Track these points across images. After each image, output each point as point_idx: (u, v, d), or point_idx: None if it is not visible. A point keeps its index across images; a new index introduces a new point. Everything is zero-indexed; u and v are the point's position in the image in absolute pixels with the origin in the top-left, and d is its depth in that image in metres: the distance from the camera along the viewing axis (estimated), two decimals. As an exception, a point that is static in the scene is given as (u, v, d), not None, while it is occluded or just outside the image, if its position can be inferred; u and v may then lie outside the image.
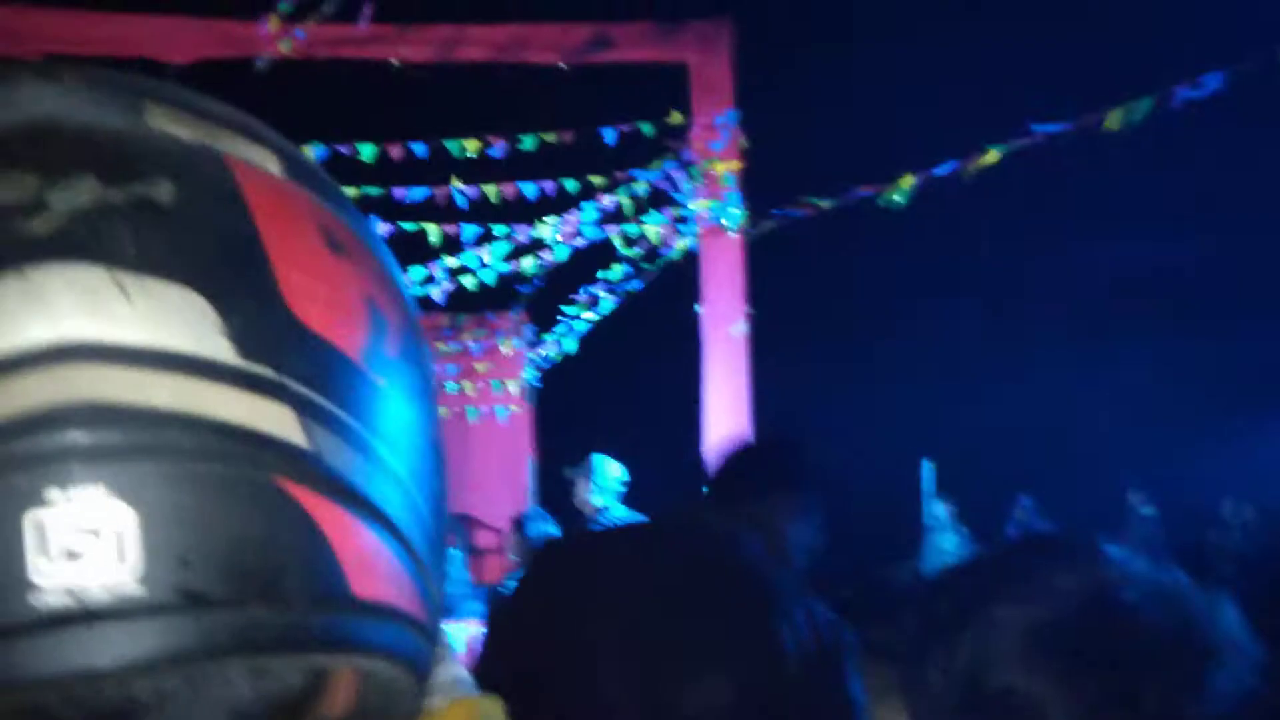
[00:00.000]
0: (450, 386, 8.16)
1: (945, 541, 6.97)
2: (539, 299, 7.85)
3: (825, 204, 5.84)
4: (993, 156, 5.55)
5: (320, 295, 0.32)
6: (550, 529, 5.30)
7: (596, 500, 4.72)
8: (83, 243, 0.28)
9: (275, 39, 5.14)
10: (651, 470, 5.35)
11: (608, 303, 7.19)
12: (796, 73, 7.18)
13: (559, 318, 7.46)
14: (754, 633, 1.39)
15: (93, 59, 5.44)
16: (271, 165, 0.34)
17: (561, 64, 5.57)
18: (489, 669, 1.48)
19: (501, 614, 2.02)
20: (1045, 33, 7.22)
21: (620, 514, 4.75)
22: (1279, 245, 8.38)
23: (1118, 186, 8.76)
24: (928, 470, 7.74)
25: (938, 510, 7.26)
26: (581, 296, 6.93)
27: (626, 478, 4.97)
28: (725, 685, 1.35)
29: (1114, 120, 5.03)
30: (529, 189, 5.79)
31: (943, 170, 5.66)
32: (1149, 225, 8.76)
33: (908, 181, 5.75)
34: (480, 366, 8.40)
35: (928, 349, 9.65)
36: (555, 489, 7.88)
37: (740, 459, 1.79)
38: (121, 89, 0.32)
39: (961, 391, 9.42)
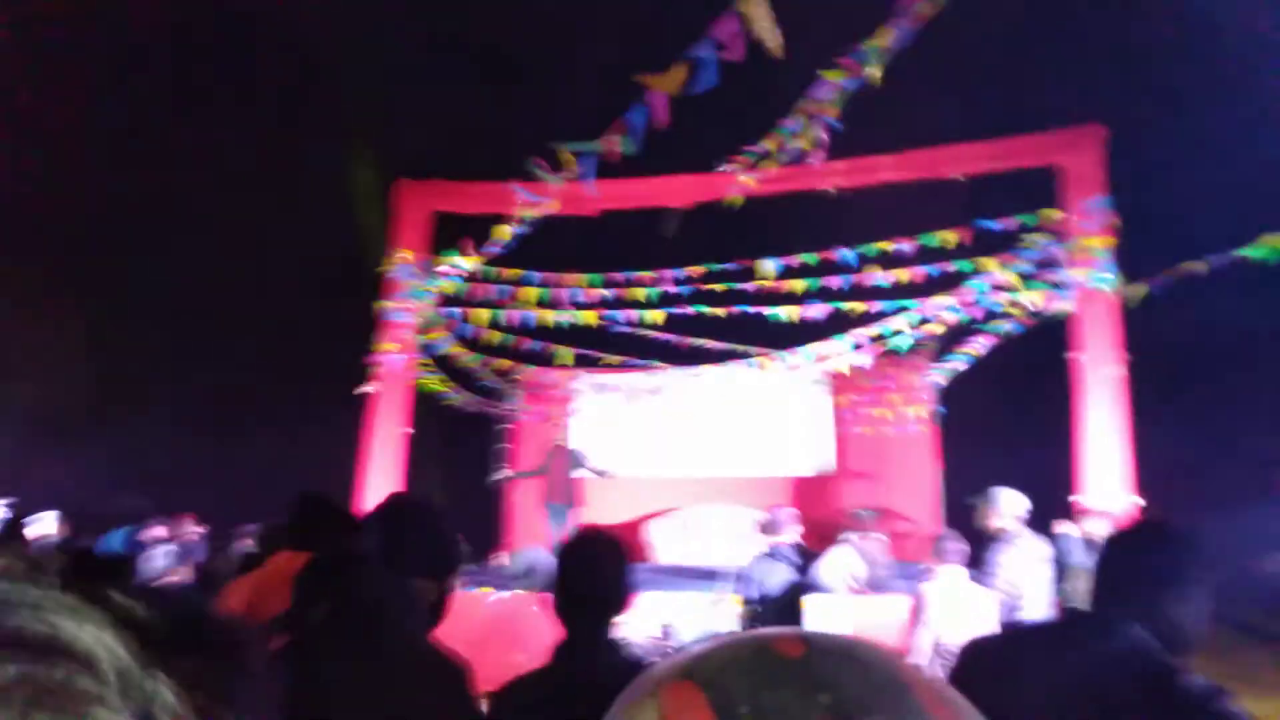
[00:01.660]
0: (875, 412, 11.09)
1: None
2: (942, 346, 9.75)
3: (1196, 266, 6.89)
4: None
5: None
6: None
7: (997, 523, 5.55)
8: None
9: (737, 182, 7.30)
10: (1035, 485, 6.67)
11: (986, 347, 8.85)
12: (1165, 152, 8.12)
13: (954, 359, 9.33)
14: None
15: (624, 211, 8.12)
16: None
17: (960, 177, 7.22)
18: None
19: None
20: None
21: (1022, 534, 6.02)
22: None
23: None
24: None
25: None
26: (975, 345, 8.66)
27: (1022, 506, 6.27)
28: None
29: None
30: (933, 271, 7.52)
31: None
32: None
33: (1274, 240, 6.62)
34: (897, 396, 10.63)
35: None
36: (954, 490, 10.18)
37: (1126, 549, 1.82)
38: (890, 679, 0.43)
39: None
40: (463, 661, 1.93)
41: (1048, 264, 7.40)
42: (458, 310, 8.52)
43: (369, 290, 8.26)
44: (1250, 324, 9.32)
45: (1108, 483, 7.08)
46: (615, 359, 10.26)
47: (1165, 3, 8.28)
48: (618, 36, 8.07)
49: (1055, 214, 7.15)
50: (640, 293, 8.07)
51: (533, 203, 6.59)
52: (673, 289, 8.10)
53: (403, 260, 8.14)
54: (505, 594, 8.02)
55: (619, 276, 8.25)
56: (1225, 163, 8.00)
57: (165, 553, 7.38)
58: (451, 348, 9.53)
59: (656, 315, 8.22)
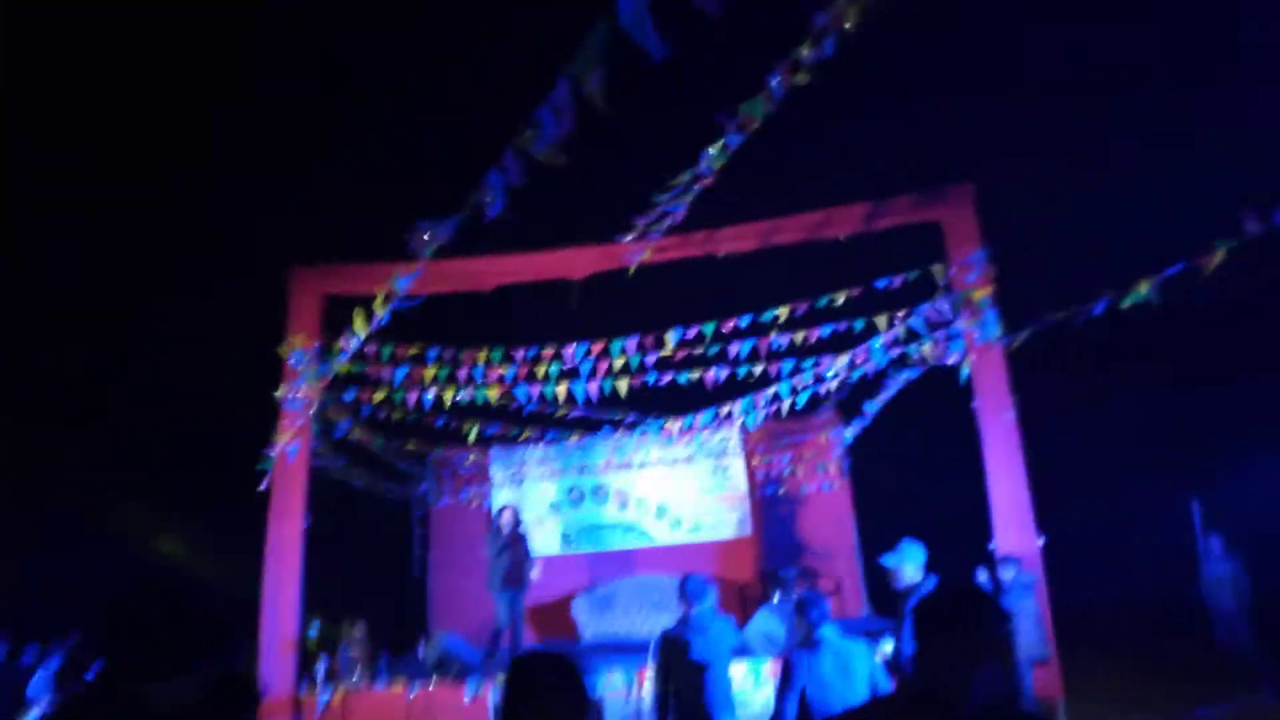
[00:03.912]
0: (787, 471, 11.36)
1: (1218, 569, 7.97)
2: (848, 401, 9.95)
3: (1068, 313, 7.21)
4: (1220, 254, 6.65)
5: None
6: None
7: (911, 578, 5.68)
8: None
9: (636, 252, 7.40)
10: (941, 528, 6.78)
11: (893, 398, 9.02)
12: (1037, 210, 8.60)
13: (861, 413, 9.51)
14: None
15: (524, 284, 8.12)
16: None
17: (840, 237, 7.45)
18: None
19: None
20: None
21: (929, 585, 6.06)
22: None
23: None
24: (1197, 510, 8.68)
25: (1212, 544, 8.21)
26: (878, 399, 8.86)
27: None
28: None
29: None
30: (825, 331, 7.69)
31: (1172, 271, 6.84)
32: None
33: (1143, 286, 6.99)
34: (807, 453, 10.82)
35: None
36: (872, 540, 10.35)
37: (941, 618, 1.89)
38: None
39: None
40: None
41: (937, 318, 7.65)
42: (354, 392, 8.32)
43: (267, 380, 8.02)
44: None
45: (1016, 526, 7.22)
46: (525, 433, 10.15)
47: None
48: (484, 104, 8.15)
49: (939, 270, 7.41)
50: (542, 369, 8.03)
51: (404, 279, 6.52)
52: (574, 363, 8.07)
53: (297, 346, 7.93)
54: (420, 686, 7.70)
55: (521, 352, 8.19)
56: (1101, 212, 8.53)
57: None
58: (355, 431, 9.29)
59: (561, 390, 8.17)
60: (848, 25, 4.01)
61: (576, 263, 7.90)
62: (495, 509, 10.40)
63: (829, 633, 4.57)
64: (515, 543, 9.04)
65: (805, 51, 4.33)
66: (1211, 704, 7.71)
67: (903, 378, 9.03)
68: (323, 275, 8.29)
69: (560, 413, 9.29)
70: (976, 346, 7.43)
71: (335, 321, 7.93)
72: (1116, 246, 7.48)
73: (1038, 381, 7.57)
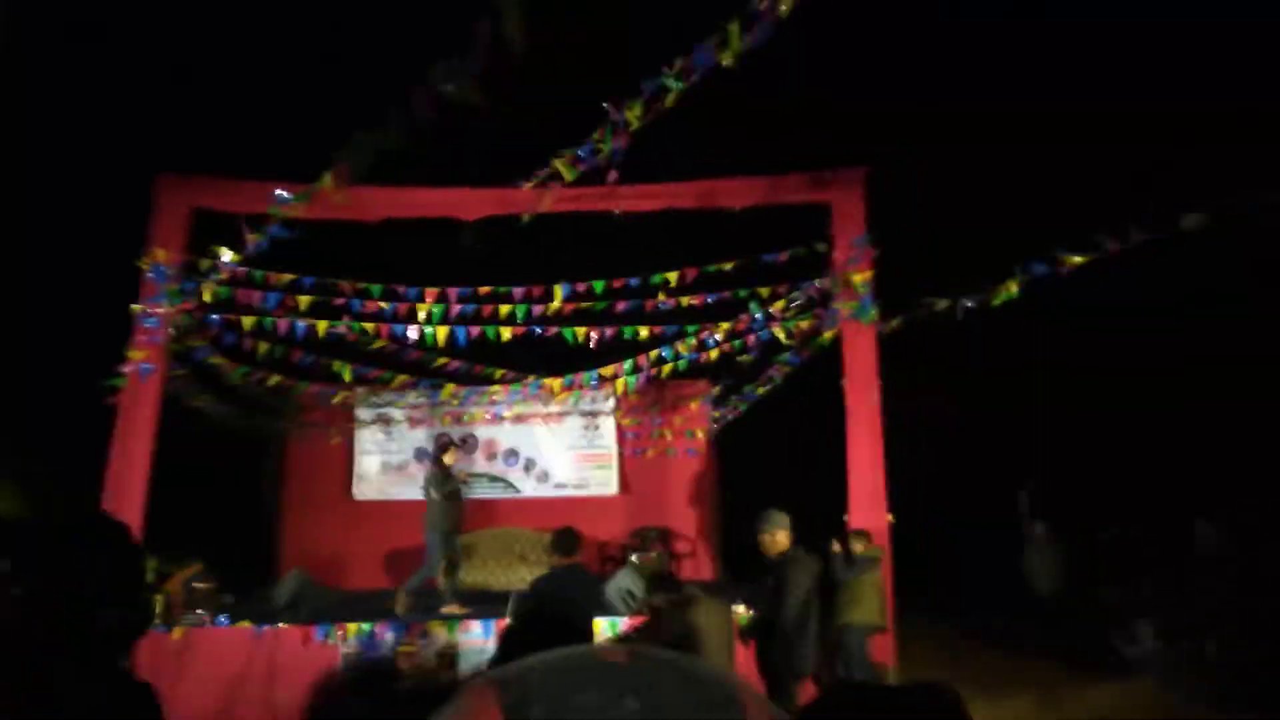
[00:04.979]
0: (656, 434, 11.60)
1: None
2: (721, 372, 10.15)
3: (940, 304, 7.59)
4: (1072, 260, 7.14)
5: None
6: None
7: (781, 543, 5.86)
8: None
9: (537, 200, 7.27)
10: (807, 503, 7.09)
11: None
12: (924, 200, 8.98)
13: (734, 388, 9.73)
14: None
15: (412, 220, 7.84)
16: None
17: (734, 208, 7.56)
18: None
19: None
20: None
21: (800, 553, 6.31)
22: None
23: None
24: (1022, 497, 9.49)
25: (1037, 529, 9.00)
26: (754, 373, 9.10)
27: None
28: None
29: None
30: (710, 298, 7.82)
31: (1039, 270, 7.29)
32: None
33: (1011, 286, 7.43)
34: (677, 419, 10.94)
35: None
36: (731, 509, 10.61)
37: None
38: (719, 693, 0.44)
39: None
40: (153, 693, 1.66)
41: (816, 295, 7.90)
42: (218, 317, 7.87)
43: (122, 292, 7.47)
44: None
45: (870, 502, 7.59)
46: (397, 377, 9.87)
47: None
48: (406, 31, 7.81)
49: (822, 248, 7.64)
50: (424, 308, 7.81)
51: (290, 203, 6.21)
52: (458, 307, 7.89)
53: (157, 260, 7.42)
54: (267, 627, 7.43)
55: (402, 289, 7.94)
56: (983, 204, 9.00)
57: None
58: (213, 358, 8.79)
59: (441, 332, 7.98)
60: (784, 8, 4.02)
61: (471, 203, 7.70)
62: (436, 443, 10.00)
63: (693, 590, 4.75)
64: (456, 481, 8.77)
65: (735, 29, 4.33)
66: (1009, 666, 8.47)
67: (779, 356, 9.30)
68: (193, 186, 7.74)
69: (438, 361, 9.08)
70: (849, 327, 7.72)
71: (204, 239, 7.47)
72: (999, 241, 7.88)
73: (904, 367, 7.94)
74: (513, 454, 12.21)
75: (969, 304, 7.24)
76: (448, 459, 8.83)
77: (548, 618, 5.24)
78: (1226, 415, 10.25)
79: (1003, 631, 9.51)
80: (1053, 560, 9.29)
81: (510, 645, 2.46)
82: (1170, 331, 10.19)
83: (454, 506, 8.65)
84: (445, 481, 8.65)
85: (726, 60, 4.52)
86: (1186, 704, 7.40)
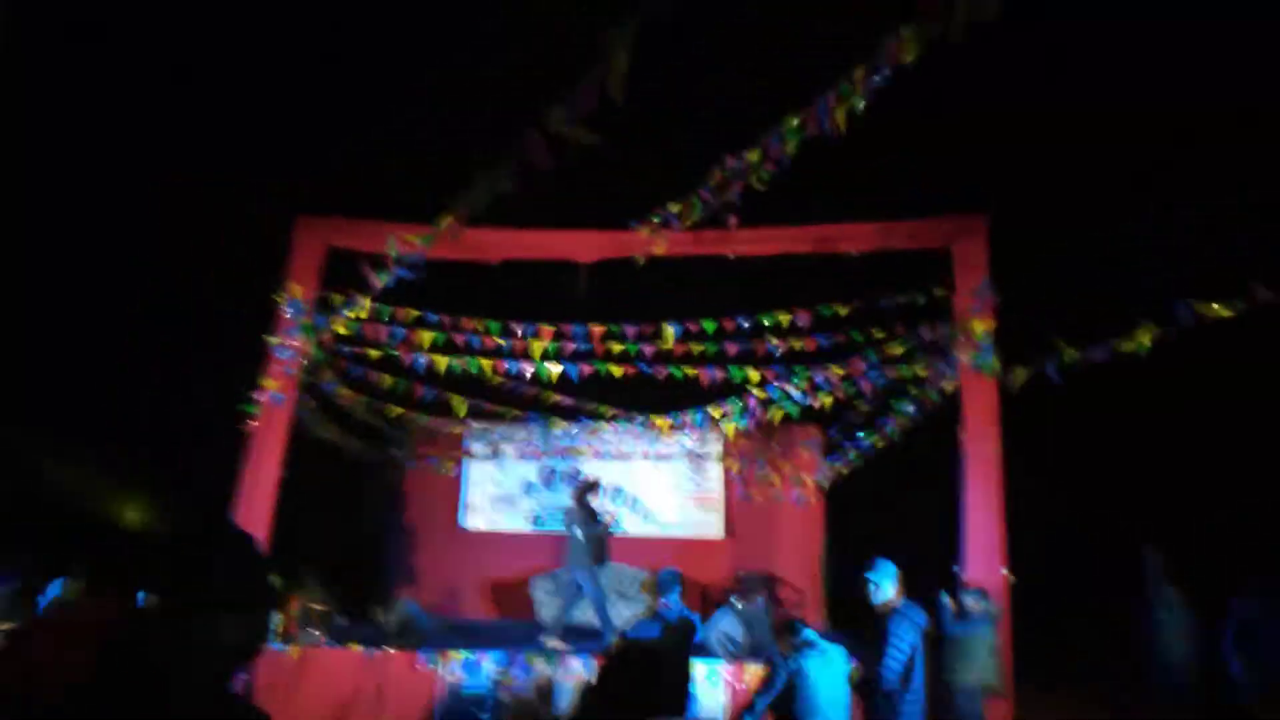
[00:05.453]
0: (762, 477, 11.43)
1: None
2: (834, 419, 9.98)
3: (1071, 355, 7.26)
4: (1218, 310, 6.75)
5: None
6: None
7: (890, 595, 5.76)
8: None
9: (650, 243, 7.37)
10: (920, 556, 6.86)
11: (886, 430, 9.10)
12: (1048, 248, 8.68)
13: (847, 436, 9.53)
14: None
15: (528, 261, 8.09)
16: None
17: (853, 252, 7.48)
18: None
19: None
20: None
21: (908, 606, 6.14)
22: None
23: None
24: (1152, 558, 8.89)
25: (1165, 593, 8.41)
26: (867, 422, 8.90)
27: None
28: None
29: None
30: (823, 342, 7.73)
31: (1181, 318, 6.91)
32: None
33: (1146, 334, 7.06)
34: (786, 465, 10.85)
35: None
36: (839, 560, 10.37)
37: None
38: None
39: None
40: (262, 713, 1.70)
41: (935, 344, 7.70)
42: (349, 350, 8.28)
43: (258, 325, 7.95)
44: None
45: (986, 557, 7.29)
46: (509, 412, 10.10)
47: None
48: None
49: (942, 295, 7.46)
50: (539, 346, 8.00)
51: (413, 244, 6.50)
52: (572, 345, 8.05)
53: (294, 296, 7.86)
54: (377, 651, 7.65)
55: (518, 327, 8.17)
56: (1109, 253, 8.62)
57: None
58: (339, 390, 9.22)
59: (554, 369, 8.15)
60: (908, 59, 3.99)
61: (585, 246, 7.87)
62: (579, 477, 10.20)
63: (813, 635, 4.67)
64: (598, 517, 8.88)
65: (859, 77, 4.31)
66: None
67: (898, 407, 9.07)
68: (329, 227, 8.21)
69: (547, 396, 9.26)
70: (969, 376, 7.49)
71: (336, 277, 7.89)
72: (1124, 291, 7.53)
73: (1024, 418, 7.64)
74: (618, 492, 12.26)
75: (1097, 355, 6.90)
76: (593, 499, 8.89)
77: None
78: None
79: (1128, 701, 8.92)
80: (1184, 627, 8.66)
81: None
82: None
83: (596, 544, 8.69)
84: (588, 522, 8.70)
85: (841, 118, 4.50)
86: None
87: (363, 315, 7.65)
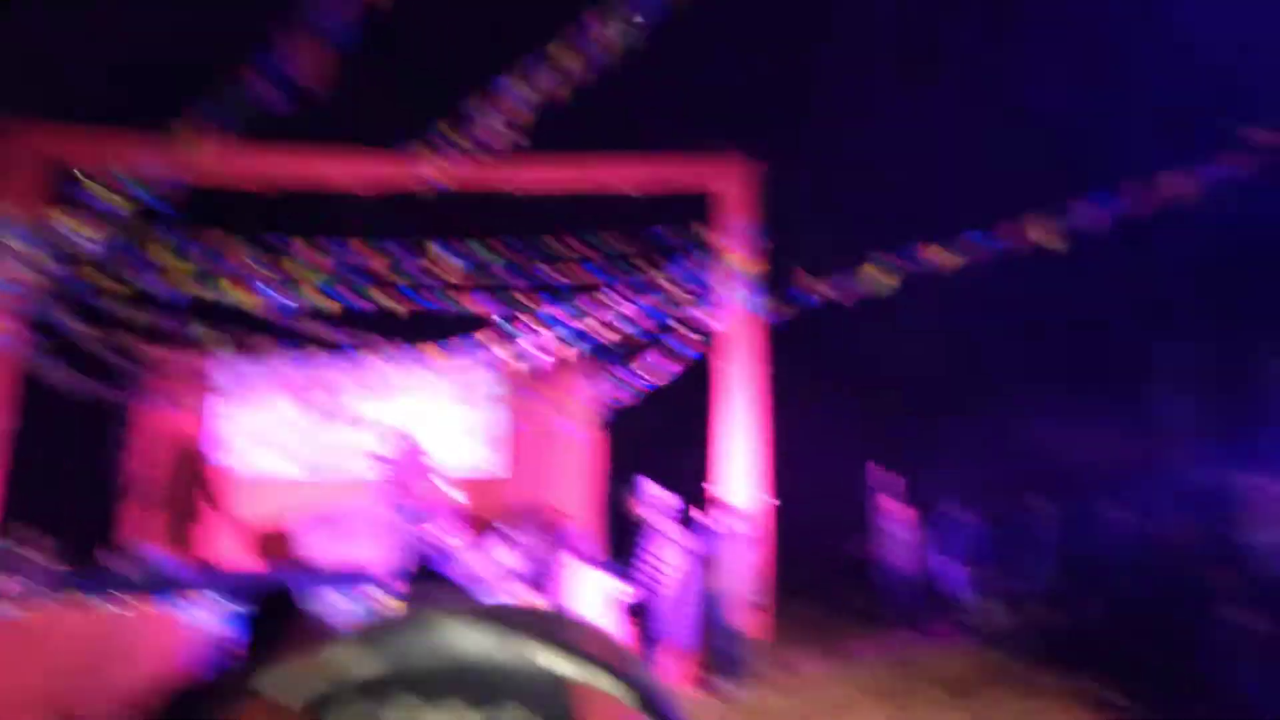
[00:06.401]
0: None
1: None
2: (611, 353, 10.15)
3: (825, 290, 7.83)
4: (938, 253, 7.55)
5: None
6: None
7: (643, 512, 6.26)
8: None
9: (433, 176, 6.98)
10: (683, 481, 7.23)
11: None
12: (811, 187, 9.26)
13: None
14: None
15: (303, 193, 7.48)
16: (625, 698, 0.41)
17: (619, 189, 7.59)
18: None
19: None
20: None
21: (666, 524, 6.51)
22: None
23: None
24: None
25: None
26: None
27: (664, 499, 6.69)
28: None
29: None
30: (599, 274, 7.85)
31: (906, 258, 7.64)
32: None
33: (880, 276, 7.76)
34: (564, 399, 11.06)
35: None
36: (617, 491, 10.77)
37: None
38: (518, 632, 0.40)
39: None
40: None
41: (701, 281, 8.03)
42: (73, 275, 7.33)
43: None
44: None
45: (741, 480, 7.78)
46: (266, 343, 9.40)
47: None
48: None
49: (708, 233, 7.76)
50: (305, 273, 7.49)
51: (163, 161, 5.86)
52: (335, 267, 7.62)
53: (7, 215, 6.84)
54: (120, 606, 7.04)
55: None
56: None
57: None
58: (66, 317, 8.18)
59: (321, 299, 7.68)
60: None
61: (357, 169, 7.43)
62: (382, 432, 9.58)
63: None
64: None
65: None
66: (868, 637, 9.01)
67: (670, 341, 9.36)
68: (49, 135, 7.15)
69: (308, 326, 8.70)
70: (734, 312, 7.88)
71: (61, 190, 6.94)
72: (883, 229, 8.20)
73: (786, 353, 8.20)
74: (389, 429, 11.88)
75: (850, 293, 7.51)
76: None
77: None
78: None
79: (862, 609, 10.13)
80: (906, 539, 9.95)
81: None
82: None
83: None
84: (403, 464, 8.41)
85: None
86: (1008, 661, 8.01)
87: (96, 238, 6.79)
